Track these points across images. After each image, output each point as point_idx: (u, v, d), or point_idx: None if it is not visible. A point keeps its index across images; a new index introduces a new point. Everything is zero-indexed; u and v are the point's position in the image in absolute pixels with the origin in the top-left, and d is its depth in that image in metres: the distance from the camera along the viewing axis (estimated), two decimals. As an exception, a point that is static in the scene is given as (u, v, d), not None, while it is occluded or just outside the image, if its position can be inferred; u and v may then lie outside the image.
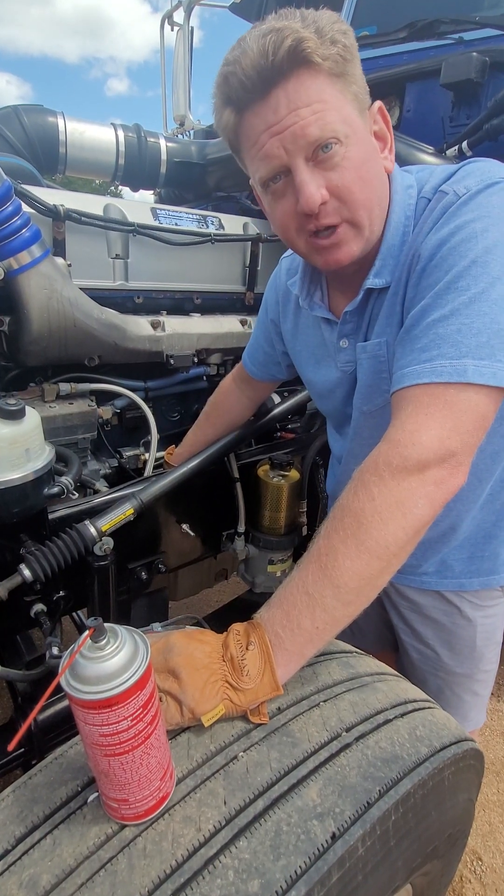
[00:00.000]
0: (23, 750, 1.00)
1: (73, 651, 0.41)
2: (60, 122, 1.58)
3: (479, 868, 1.44)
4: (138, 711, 0.43)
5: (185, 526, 1.26)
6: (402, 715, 0.67)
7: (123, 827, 0.48)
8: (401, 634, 1.08)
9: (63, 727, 1.05)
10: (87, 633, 0.41)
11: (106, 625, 0.43)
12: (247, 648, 0.58)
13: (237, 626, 0.61)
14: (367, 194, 0.68)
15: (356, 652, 0.80)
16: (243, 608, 1.59)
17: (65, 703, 1.07)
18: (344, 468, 1.02)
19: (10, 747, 0.88)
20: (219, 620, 1.57)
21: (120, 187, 1.87)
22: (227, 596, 2.34)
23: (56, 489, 0.92)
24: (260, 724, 0.58)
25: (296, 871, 0.46)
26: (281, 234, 0.75)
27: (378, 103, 0.70)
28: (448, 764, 0.63)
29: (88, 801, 0.50)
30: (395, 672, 0.79)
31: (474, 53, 1.34)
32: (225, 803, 0.50)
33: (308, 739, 0.58)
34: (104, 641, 0.42)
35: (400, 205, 0.73)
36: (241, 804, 0.50)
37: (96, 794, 0.50)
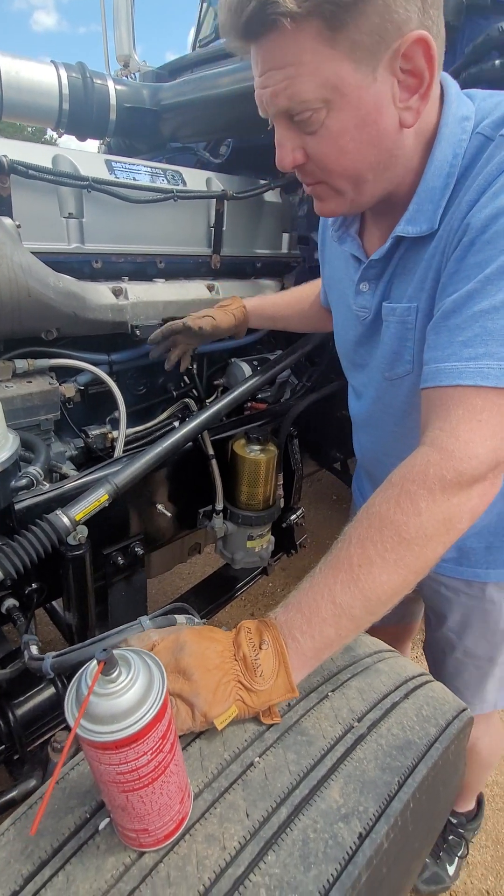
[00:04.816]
0: (3, 747, 0.96)
1: (87, 690, 0.36)
2: (-9, 57, 1.38)
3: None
4: (158, 743, 0.39)
5: (160, 506, 1.20)
6: (407, 695, 0.66)
7: (142, 854, 0.45)
8: (421, 609, 1.05)
9: (44, 720, 1.01)
10: (97, 666, 0.36)
11: (115, 652, 0.38)
12: (259, 647, 0.55)
13: (248, 624, 0.58)
14: (347, 164, 0.62)
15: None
16: (221, 583, 1.57)
17: (43, 695, 1.02)
18: (366, 435, 0.97)
19: None
20: (198, 596, 1.55)
21: (54, 135, 1.64)
22: (199, 568, 2.32)
23: (24, 481, 0.84)
24: (272, 724, 0.56)
25: (328, 880, 0.44)
26: None
27: (415, 34, 0.54)
28: (453, 740, 0.63)
29: (100, 828, 0.47)
30: (389, 647, 0.79)
31: (448, -7, 1.25)
32: (248, 816, 0.47)
33: (323, 735, 0.56)
34: (116, 674, 0.37)
35: (448, 140, 0.62)
36: (264, 815, 0.48)
37: (108, 819, 0.46)
